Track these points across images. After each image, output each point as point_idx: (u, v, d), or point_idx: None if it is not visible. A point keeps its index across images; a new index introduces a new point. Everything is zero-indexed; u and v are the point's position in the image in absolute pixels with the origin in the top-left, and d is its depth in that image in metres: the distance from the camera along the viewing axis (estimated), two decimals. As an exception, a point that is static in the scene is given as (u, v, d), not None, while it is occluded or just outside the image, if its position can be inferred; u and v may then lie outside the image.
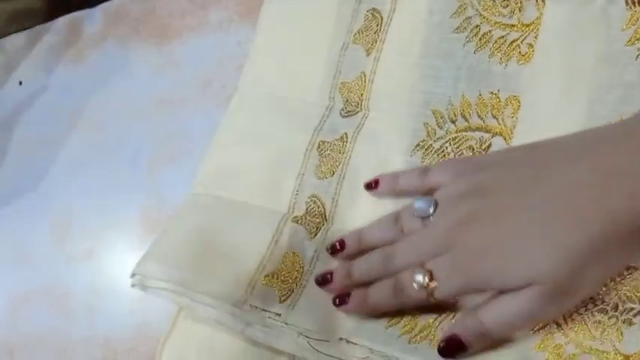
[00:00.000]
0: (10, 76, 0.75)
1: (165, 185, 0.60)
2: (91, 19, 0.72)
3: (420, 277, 0.38)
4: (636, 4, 0.42)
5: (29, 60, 0.75)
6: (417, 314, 0.41)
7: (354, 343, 0.40)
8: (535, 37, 0.45)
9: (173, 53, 0.65)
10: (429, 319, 0.40)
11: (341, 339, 0.41)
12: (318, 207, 0.48)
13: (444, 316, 0.40)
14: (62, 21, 0.75)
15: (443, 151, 0.46)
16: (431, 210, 0.40)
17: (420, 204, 0.41)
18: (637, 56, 0.41)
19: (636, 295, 0.36)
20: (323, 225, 0.48)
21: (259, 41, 0.56)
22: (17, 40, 0.77)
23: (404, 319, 0.41)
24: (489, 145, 0.44)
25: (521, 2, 0.46)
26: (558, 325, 0.36)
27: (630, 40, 0.41)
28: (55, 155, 0.68)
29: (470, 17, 0.47)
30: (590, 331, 0.36)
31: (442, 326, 0.39)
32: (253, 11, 0.62)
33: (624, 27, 0.42)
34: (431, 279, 0.37)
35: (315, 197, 0.49)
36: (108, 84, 0.68)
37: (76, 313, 0.59)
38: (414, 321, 0.40)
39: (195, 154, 0.59)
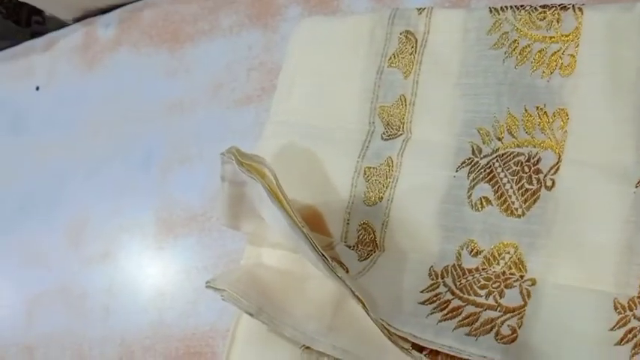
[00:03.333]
0: (27, 81, 0.77)
1: (178, 187, 0.61)
2: (105, 24, 0.74)
3: None
4: None
5: (45, 65, 0.76)
6: (479, 311, 0.40)
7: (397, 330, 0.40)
8: (576, 47, 0.44)
9: (185, 57, 0.66)
10: (492, 315, 0.40)
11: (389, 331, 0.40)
12: (369, 234, 0.48)
13: (509, 315, 0.40)
14: (77, 27, 0.76)
15: (490, 166, 0.45)
16: None
17: None
18: None
19: None
20: (374, 252, 0.47)
21: (290, 68, 0.55)
22: (34, 45, 0.79)
23: (462, 314, 0.40)
24: (539, 159, 0.43)
25: (558, 13, 0.45)
26: None
27: None
28: (70, 159, 0.69)
29: (507, 32, 0.46)
30: None
31: (509, 323, 0.39)
32: (264, 15, 0.62)
33: None
34: None
35: (366, 224, 0.48)
36: (121, 88, 0.69)
37: (92, 314, 0.60)
38: (474, 317, 0.40)
39: (205, 156, 0.60)
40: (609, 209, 0.40)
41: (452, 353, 0.38)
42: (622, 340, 0.37)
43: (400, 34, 0.51)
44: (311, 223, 0.49)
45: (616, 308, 0.38)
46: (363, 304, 0.40)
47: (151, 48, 0.69)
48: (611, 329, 0.37)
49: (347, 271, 0.46)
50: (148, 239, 0.60)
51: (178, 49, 0.67)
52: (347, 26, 0.54)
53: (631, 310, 0.37)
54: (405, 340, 0.40)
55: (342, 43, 0.53)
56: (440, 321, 0.40)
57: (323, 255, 0.41)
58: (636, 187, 0.39)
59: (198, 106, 0.63)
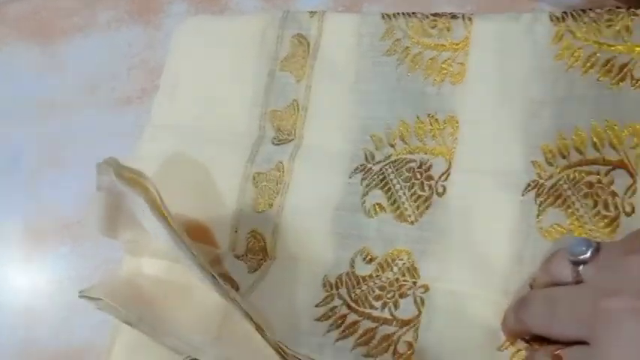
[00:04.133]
0: None
1: (49, 192, 0.57)
2: (-32, 18, 0.68)
3: None
4: (560, 21, 0.42)
5: None
6: (375, 326, 0.40)
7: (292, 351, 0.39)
8: (466, 56, 0.45)
9: (58, 54, 0.62)
10: (389, 330, 0.40)
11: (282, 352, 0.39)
12: (259, 242, 0.47)
13: (405, 329, 0.40)
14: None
15: (383, 172, 0.45)
16: (588, 254, 0.32)
17: (574, 245, 0.33)
18: (566, 70, 0.42)
19: None
20: (265, 261, 0.46)
21: (173, 68, 0.54)
22: None
23: (358, 331, 0.40)
24: (430, 166, 0.44)
25: (448, 22, 0.46)
26: None
27: (557, 55, 0.42)
28: None
29: (399, 39, 0.47)
30: None
31: (406, 339, 0.39)
32: (145, 11, 0.60)
33: (551, 42, 0.42)
34: None
35: (255, 232, 0.47)
36: (-13, 86, 0.65)
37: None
38: (371, 333, 0.40)
39: (80, 159, 0.56)
40: (498, 218, 0.41)
41: None
42: (503, 345, 0.38)
43: (292, 37, 0.51)
44: (197, 233, 0.47)
45: None
46: (261, 329, 0.39)
47: (19, 44, 0.64)
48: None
49: (237, 289, 0.44)
50: (15, 248, 0.56)
51: (50, 46, 0.63)
52: (236, 26, 0.53)
53: None
54: None
55: (231, 44, 0.52)
56: (337, 339, 0.40)
57: (214, 277, 0.40)
58: (522, 195, 0.41)
59: (73, 105, 0.60)
